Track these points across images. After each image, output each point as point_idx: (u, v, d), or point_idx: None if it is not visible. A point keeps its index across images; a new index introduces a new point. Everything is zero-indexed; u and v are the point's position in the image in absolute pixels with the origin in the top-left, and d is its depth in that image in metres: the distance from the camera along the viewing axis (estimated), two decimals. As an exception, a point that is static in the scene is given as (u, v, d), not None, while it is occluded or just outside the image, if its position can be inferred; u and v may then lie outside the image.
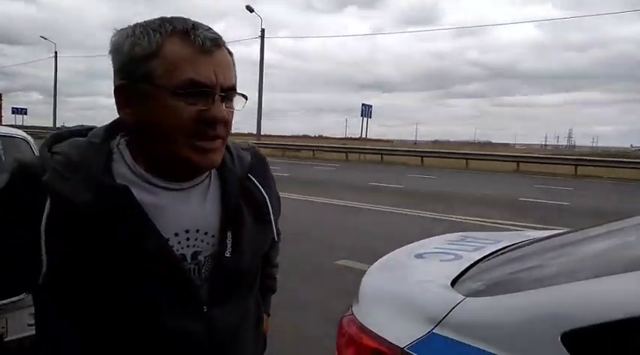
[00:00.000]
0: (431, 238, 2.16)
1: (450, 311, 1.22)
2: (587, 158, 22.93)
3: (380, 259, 1.85)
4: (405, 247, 2.00)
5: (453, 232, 2.32)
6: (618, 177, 18.89)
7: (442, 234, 2.34)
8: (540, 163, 22.56)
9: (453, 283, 1.43)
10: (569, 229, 2.00)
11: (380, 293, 1.53)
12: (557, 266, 1.42)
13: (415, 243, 2.06)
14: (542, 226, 7.84)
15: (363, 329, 1.33)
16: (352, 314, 1.43)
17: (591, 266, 1.33)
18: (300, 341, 3.46)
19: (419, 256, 1.82)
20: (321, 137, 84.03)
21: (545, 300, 1.13)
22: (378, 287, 1.59)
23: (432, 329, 1.21)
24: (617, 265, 1.25)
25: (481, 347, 1.10)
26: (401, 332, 1.25)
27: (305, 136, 78.34)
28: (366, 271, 1.74)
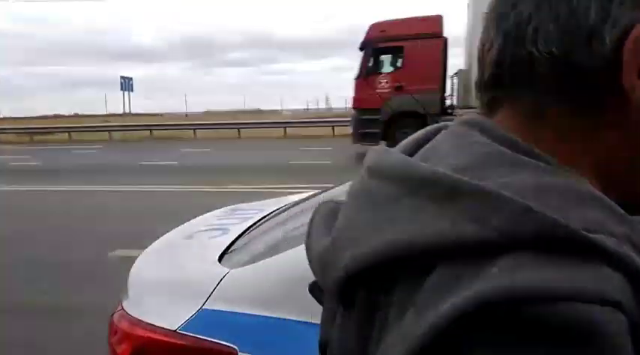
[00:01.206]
0: (202, 216, 2.21)
1: (217, 284, 1.30)
2: (341, 119, 26.11)
3: (150, 246, 1.83)
4: (175, 230, 2.01)
5: (232, 204, 2.41)
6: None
7: (222, 207, 2.41)
8: (304, 127, 24.63)
9: (220, 258, 1.52)
10: (324, 188, 2.26)
11: (149, 281, 1.53)
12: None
13: (186, 224, 2.09)
14: (311, 186, 8.71)
15: (134, 321, 1.33)
16: (122, 308, 1.40)
17: None
18: (74, 350, 3.20)
19: (189, 237, 1.86)
20: (77, 115, 75.02)
21: (292, 259, 1.26)
22: (146, 275, 1.58)
23: (202, 305, 1.27)
24: None
25: (247, 312, 1.22)
26: (174, 315, 1.29)
27: (57, 116, 68.69)
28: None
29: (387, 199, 0.41)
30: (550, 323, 0.31)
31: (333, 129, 23.07)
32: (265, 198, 2.72)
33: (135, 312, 1.36)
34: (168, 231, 1.97)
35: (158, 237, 1.89)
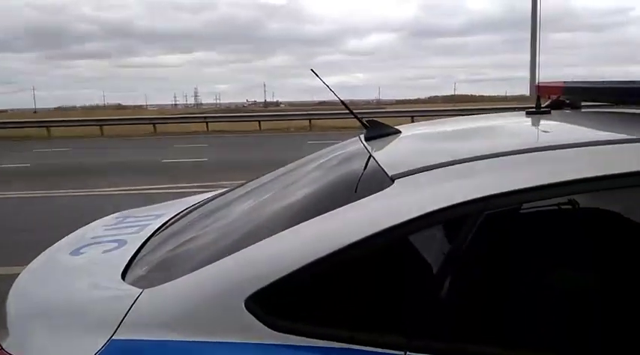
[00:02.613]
0: (86, 227, 1.91)
1: (130, 308, 1.10)
2: (214, 115, 25.48)
3: (27, 268, 1.52)
4: (55, 245, 1.70)
5: (105, 208, 2.12)
6: (240, 129, 21.65)
7: (94, 213, 2.11)
8: (175, 123, 23.47)
9: (124, 275, 1.30)
10: (226, 188, 2.10)
11: (35, 312, 1.25)
12: (227, 230, 1.44)
13: (69, 237, 1.79)
14: (191, 185, 8.29)
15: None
16: (2, 349, 1.13)
17: (260, 223, 1.39)
18: None
19: (76, 252, 1.58)
20: None
21: (220, 272, 1.11)
22: (30, 304, 1.29)
23: (112, 335, 1.06)
24: (277, 218, 1.35)
25: (173, 339, 1.04)
26: (73, 352, 1.06)
27: None
28: (13, 276, 1.39)
29: None
30: None
31: (206, 125, 22.33)
32: (143, 201, 2.47)
33: (19, 353, 1.10)
34: (39, 245, 1.66)
35: (25, 252, 1.57)
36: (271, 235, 1.14)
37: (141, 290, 1.14)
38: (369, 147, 1.48)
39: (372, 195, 1.10)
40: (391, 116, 21.38)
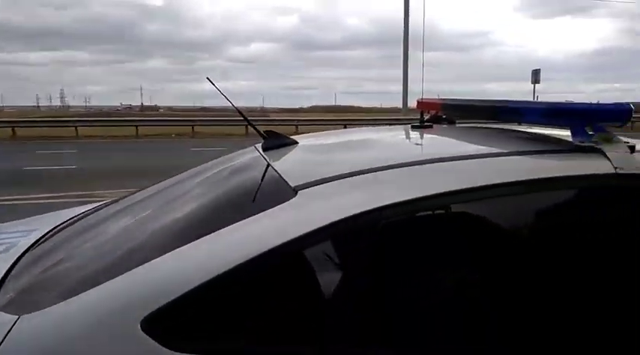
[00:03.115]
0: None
1: (3, 339, 0.97)
2: (87, 119, 23.53)
3: None
4: None
5: None
6: (114, 135, 20.26)
7: None
8: (39, 127, 21.27)
9: (-6, 300, 1.15)
10: (110, 199, 1.95)
11: None
12: (115, 246, 1.34)
13: None
14: (55, 195, 7.54)
15: None
16: None
17: (151, 239, 1.31)
18: None
19: None
20: None
21: (112, 293, 1.03)
22: None
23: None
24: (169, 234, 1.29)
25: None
26: None
27: None
28: None
29: None
30: None
31: (76, 130, 20.56)
32: (5, 214, 2.20)
33: None
34: None
35: None
36: (166, 251, 1.08)
37: (17, 316, 1.02)
38: (267, 158, 1.48)
39: (277, 207, 1.10)
40: (277, 124, 21.58)
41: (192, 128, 21.77)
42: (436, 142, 1.58)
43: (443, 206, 1.12)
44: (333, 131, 2.17)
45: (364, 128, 2.06)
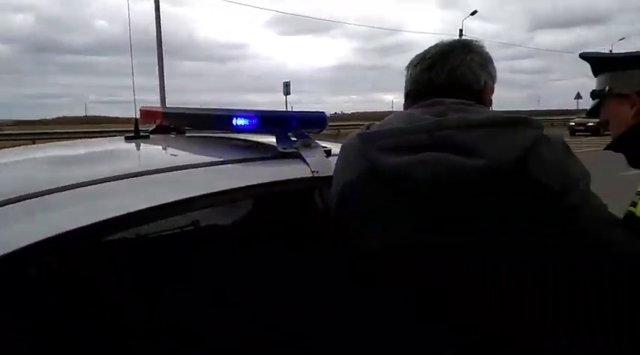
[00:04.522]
0: None
1: None
2: None
3: None
4: None
5: None
6: None
7: None
8: None
9: None
10: None
11: None
12: None
13: None
14: None
15: None
16: None
17: None
18: None
19: None
20: None
21: None
22: None
23: None
24: None
25: None
26: None
27: None
28: None
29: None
30: None
31: None
32: None
33: None
34: None
35: None
36: None
37: None
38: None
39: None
40: (8, 139, 18.37)
41: None
42: (145, 154, 1.48)
43: (141, 222, 1.03)
44: (35, 145, 1.86)
45: (77, 141, 1.82)
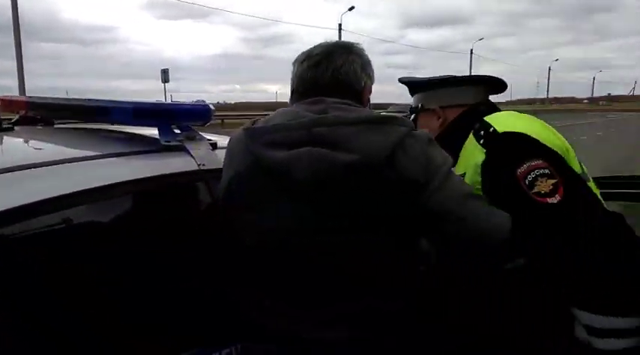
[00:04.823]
0: None
1: None
2: None
3: None
4: None
5: None
6: None
7: None
8: None
9: None
10: None
11: None
12: None
13: None
14: None
15: None
16: None
17: None
18: None
19: None
20: None
21: None
22: None
23: None
24: None
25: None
26: None
27: None
28: None
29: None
30: None
31: None
32: None
33: None
34: None
35: None
36: None
37: None
38: None
39: None
40: None
41: None
42: (8, 148, 1.34)
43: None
44: None
45: None
